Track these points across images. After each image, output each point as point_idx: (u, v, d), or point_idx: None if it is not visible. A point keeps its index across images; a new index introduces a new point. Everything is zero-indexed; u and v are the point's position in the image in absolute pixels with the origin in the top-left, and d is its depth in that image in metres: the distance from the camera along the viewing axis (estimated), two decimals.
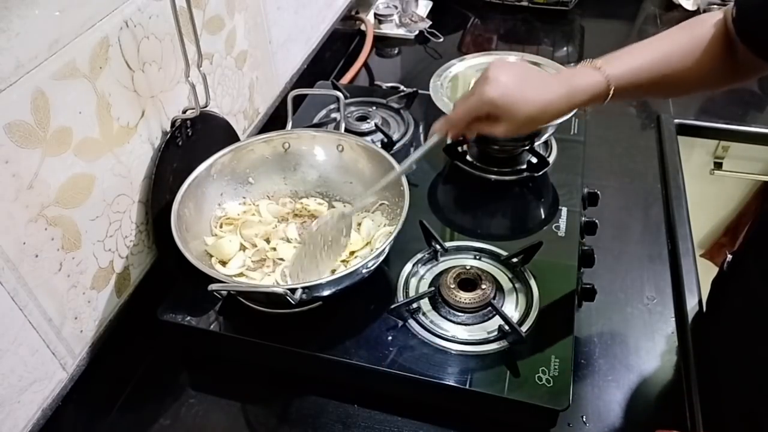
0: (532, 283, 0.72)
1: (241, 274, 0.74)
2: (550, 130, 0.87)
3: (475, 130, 0.65)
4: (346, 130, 0.91)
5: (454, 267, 0.73)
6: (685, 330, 0.77)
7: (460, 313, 0.70)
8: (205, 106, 0.76)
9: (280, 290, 0.60)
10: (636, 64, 0.62)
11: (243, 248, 0.77)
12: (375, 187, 0.72)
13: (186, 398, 0.71)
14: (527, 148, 0.88)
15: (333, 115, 1.02)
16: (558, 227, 0.80)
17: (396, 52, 1.38)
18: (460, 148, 0.93)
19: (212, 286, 0.61)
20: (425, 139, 0.98)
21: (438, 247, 0.76)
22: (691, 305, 0.79)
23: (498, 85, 0.60)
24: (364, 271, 0.67)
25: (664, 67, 0.62)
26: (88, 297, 0.67)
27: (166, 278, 0.74)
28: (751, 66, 0.62)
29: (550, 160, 0.90)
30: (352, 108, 1.02)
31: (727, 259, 0.75)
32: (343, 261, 0.76)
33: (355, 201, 0.78)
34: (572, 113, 0.62)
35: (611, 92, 0.61)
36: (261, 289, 0.67)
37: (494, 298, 0.70)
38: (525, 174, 0.89)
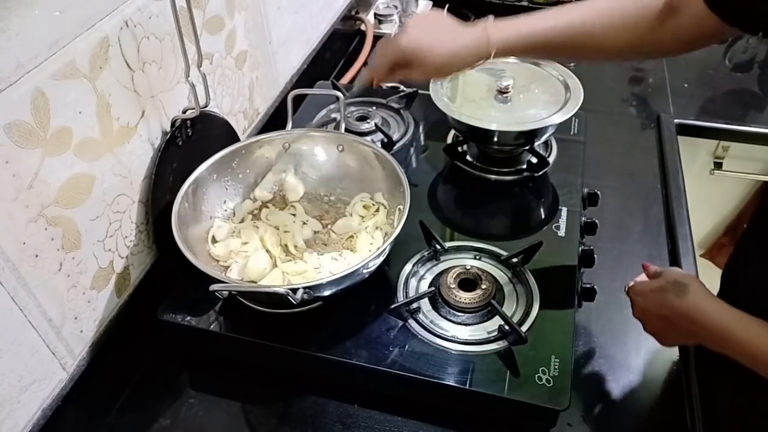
0: (532, 283, 0.72)
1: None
2: (550, 130, 0.87)
3: (396, 77, 0.70)
4: (346, 130, 0.91)
5: (454, 267, 0.73)
6: None
7: (460, 313, 0.70)
8: (205, 106, 0.76)
9: (281, 290, 0.60)
10: (529, 30, 0.65)
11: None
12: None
13: (186, 398, 0.71)
14: (527, 148, 0.88)
15: (333, 115, 1.02)
16: (558, 227, 0.80)
17: None
18: (459, 148, 0.93)
19: (214, 287, 0.61)
20: (425, 138, 0.99)
21: (438, 247, 0.76)
22: None
23: (408, 34, 0.66)
24: (364, 271, 0.67)
25: (573, 34, 0.64)
26: (88, 297, 0.67)
27: (166, 278, 0.74)
28: (694, 36, 0.62)
29: (550, 160, 0.90)
30: (352, 108, 1.02)
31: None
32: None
33: None
34: (479, 64, 0.67)
35: (491, 54, 0.65)
36: (262, 289, 0.67)
37: (494, 298, 0.70)
38: (525, 174, 0.89)
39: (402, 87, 1.14)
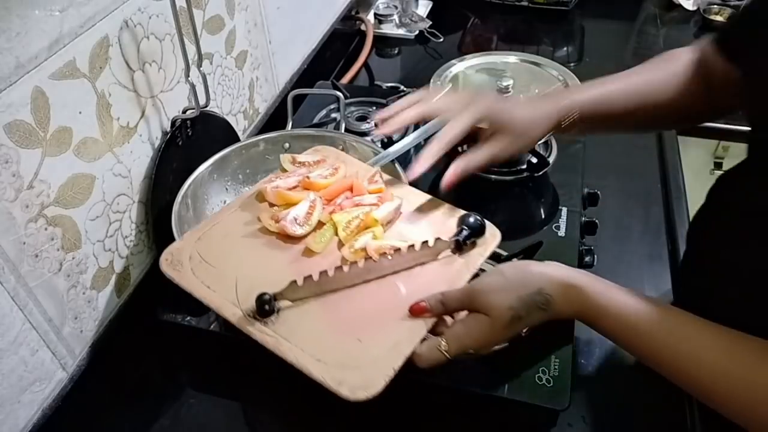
0: None
1: None
2: None
3: (479, 160, 0.70)
4: (346, 130, 0.91)
5: None
6: None
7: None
8: (205, 106, 0.76)
9: None
10: (604, 92, 0.68)
11: None
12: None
13: (186, 398, 0.71)
14: None
15: (333, 115, 1.02)
16: (558, 227, 0.80)
17: (396, 52, 1.38)
18: (460, 149, 0.93)
19: None
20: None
21: None
22: None
23: (487, 99, 0.69)
24: None
25: (636, 99, 0.67)
26: (88, 297, 0.67)
27: (166, 278, 0.74)
28: (726, 97, 0.65)
29: (550, 160, 0.90)
30: (352, 108, 1.02)
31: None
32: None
33: None
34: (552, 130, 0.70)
35: (576, 116, 0.68)
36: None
37: None
38: (525, 174, 0.89)
39: (402, 87, 1.14)
